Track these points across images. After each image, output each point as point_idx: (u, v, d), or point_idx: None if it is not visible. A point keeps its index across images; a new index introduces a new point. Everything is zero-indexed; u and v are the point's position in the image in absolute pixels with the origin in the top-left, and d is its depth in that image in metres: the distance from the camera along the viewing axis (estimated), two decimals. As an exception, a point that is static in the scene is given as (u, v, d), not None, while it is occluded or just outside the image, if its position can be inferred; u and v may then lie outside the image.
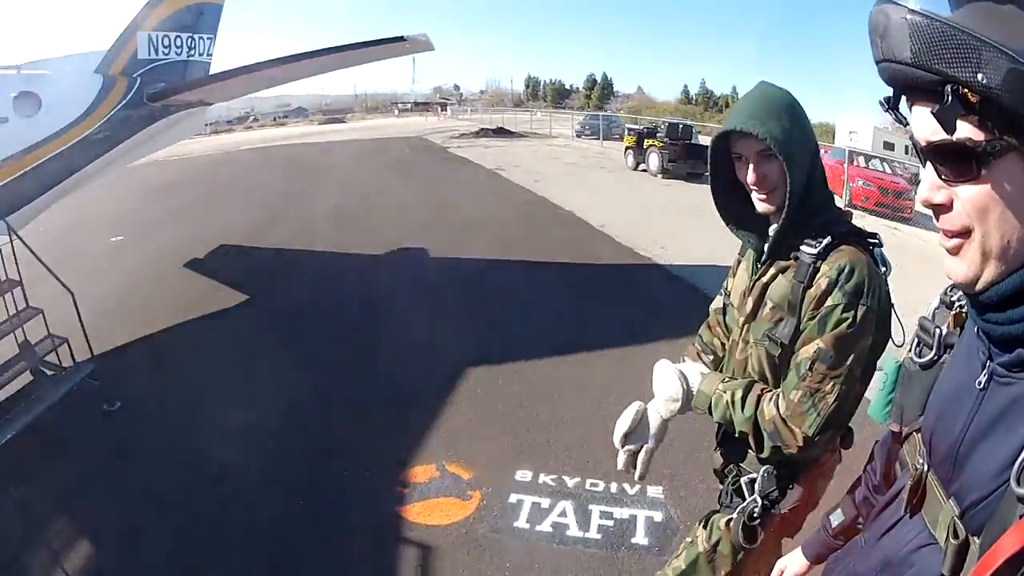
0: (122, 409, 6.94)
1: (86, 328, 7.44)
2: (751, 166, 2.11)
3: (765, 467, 2.27)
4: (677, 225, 14.50)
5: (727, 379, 2.24)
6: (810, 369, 2.02)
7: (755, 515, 2.26)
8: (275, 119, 75.52)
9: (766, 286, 2.23)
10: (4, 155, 7.99)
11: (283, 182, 21.84)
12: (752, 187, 2.15)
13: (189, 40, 11.65)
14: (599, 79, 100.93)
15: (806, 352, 2.04)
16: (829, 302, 2.00)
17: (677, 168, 21.97)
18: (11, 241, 7.46)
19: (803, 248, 2.10)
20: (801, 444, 2.03)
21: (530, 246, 12.38)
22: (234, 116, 67.06)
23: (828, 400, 2.00)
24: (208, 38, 12.23)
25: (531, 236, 13.21)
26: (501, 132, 37.92)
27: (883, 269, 2.09)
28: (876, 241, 2.12)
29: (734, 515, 2.34)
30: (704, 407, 2.23)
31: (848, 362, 2.00)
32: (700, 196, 16.57)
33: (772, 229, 2.21)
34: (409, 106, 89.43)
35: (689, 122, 27.52)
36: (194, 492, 5.37)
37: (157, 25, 10.91)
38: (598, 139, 34.44)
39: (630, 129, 26.78)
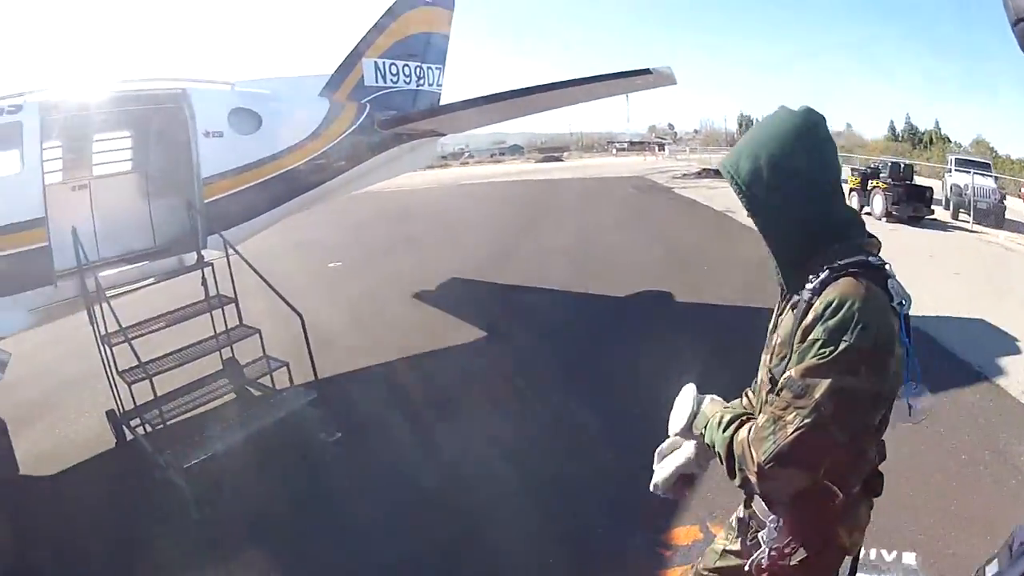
0: (341, 441, 6.43)
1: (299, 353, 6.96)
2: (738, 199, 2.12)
3: (771, 517, 2.15)
4: (913, 272, 12.38)
5: (728, 406, 2.26)
6: (778, 395, 1.95)
7: (763, 566, 2.14)
8: (491, 155, 76.28)
9: (777, 323, 2.19)
10: (219, 169, 7.90)
11: (508, 218, 21.57)
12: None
13: (417, 69, 11.43)
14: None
15: (785, 378, 1.94)
16: (811, 336, 1.89)
17: (900, 211, 19.77)
18: (227, 256, 7.22)
19: (806, 284, 1.99)
20: (755, 470, 1.92)
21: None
22: (448, 152, 68.77)
23: (787, 430, 1.87)
24: (437, 68, 11.97)
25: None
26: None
27: (897, 302, 1.92)
28: (886, 272, 1.97)
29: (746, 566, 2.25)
30: (700, 428, 2.24)
31: (817, 396, 1.84)
32: (928, 241, 16.02)
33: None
34: (625, 145, 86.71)
35: (908, 161, 25.57)
36: (426, 546, 4.86)
37: (383, 52, 10.75)
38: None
39: (853, 169, 24.65)
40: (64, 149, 8.26)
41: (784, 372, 1.95)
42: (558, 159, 65.56)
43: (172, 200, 8.15)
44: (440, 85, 12.08)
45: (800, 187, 1.99)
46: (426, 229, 19.85)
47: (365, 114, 10.02)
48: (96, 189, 8.05)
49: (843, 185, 2.31)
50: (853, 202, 21.14)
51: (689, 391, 2.34)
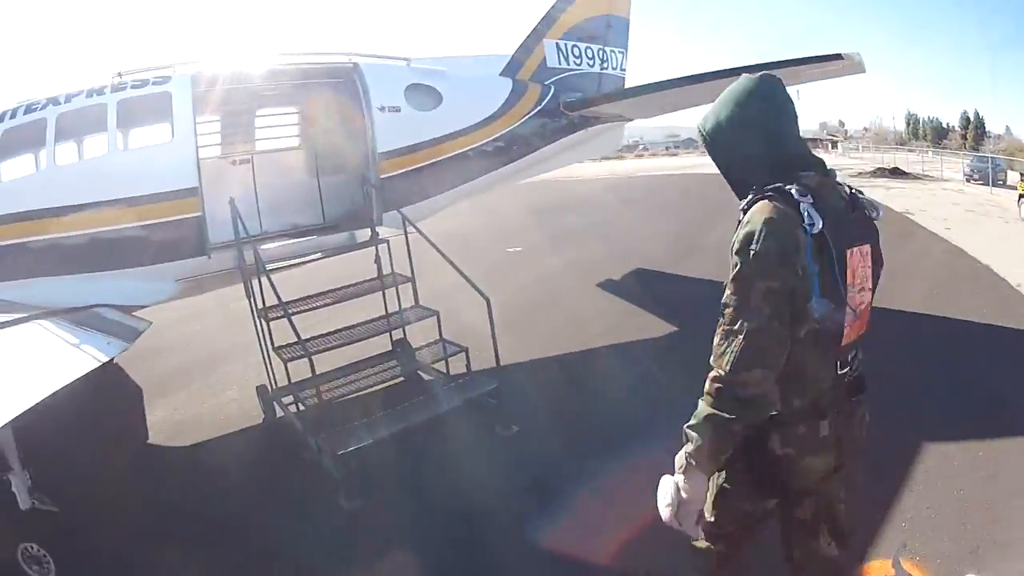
0: (518, 436, 5.86)
1: (476, 337, 6.48)
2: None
3: None
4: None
5: None
6: (722, 314, 2.25)
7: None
8: (666, 148, 75.72)
9: None
10: (397, 145, 7.59)
11: (689, 211, 20.76)
12: None
13: (600, 52, 10.75)
14: (971, 117, 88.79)
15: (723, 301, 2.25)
16: (733, 250, 2.23)
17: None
18: (405, 234, 6.86)
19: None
20: (727, 380, 2.17)
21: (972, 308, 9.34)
22: (623, 144, 68.56)
23: (739, 337, 2.17)
24: (620, 52, 11.24)
25: (970, 293, 10.21)
26: (896, 172, 35.11)
27: (810, 219, 2.19)
28: (800, 197, 2.23)
29: None
30: (680, 465, 2.35)
31: (751, 301, 2.16)
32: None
33: None
34: None
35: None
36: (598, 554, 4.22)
37: (564, 34, 10.18)
38: (985, 184, 30.35)
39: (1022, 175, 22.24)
40: (223, 124, 8.38)
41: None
42: None
43: (343, 176, 7.98)
44: (624, 69, 11.37)
45: (753, 133, 2.39)
46: (605, 218, 19.61)
47: (550, 95, 9.47)
48: (259, 164, 8.04)
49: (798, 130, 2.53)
50: (1022, 210, 19.90)
51: (667, 480, 2.41)
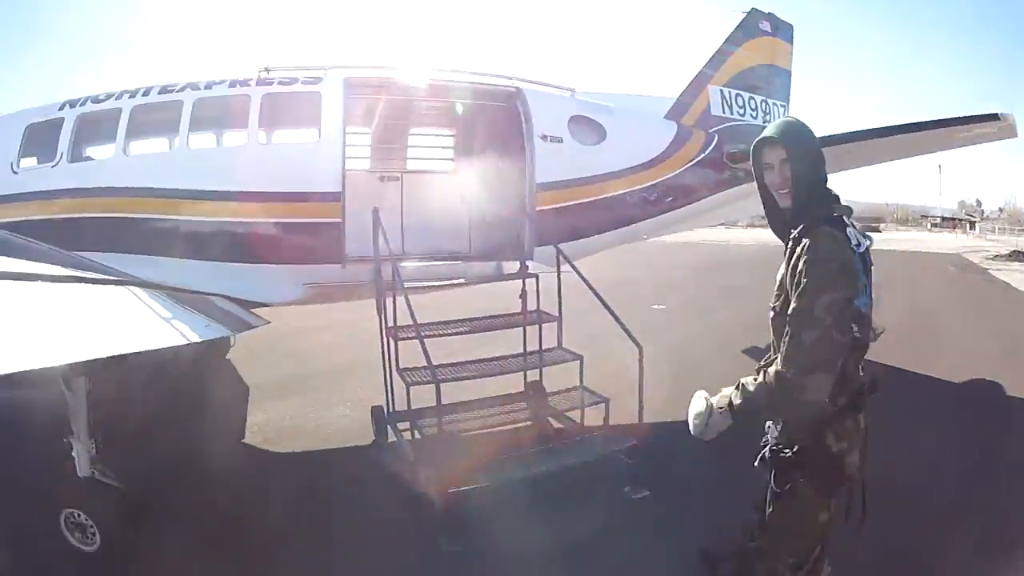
0: (648, 501, 5.19)
1: (615, 390, 5.91)
2: (777, 170, 2.74)
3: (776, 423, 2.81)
4: None
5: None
6: (790, 324, 2.52)
7: (766, 457, 2.80)
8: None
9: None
10: (556, 177, 7.25)
11: None
12: (779, 189, 2.77)
13: (763, 103, 10.26)
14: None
15: (792, 307, 2.53)
16: (799, 270, 2.52)
17: None
18: (558, 270, 6.43)
19: (792, 238, 2.68)
20: (790, 379, 2.48)
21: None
22: None
23: (805, 344, 2.45)
24: (781, 105, 10.69)
25: None
26: None
27: (856, 242, 2.62)
28: (847, 223, 2.66)
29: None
30: (723, 404, 2.79)
31: (816, 312, 2.44)
32: None
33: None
34: (938, 220, 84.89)
35: None
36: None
37: (728, 81, 9.76)
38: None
39: None
40: (375, 137, 8.32)
41: (780, 305, 2.67)
42: (876, 229, 64.88)
43: (495, 204, 7.63)
44: (786, 124, 10.80)
45: (815, 160, 2.73)
46: (752, 283, 18.85)
47: (713, 144, 8.97)
48: (408, 183, 7.95)
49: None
50: None
51: (700, 395, 2.90)
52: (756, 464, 2.86)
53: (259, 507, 5.00)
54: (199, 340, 3.94)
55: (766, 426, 2.89)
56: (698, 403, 2.86)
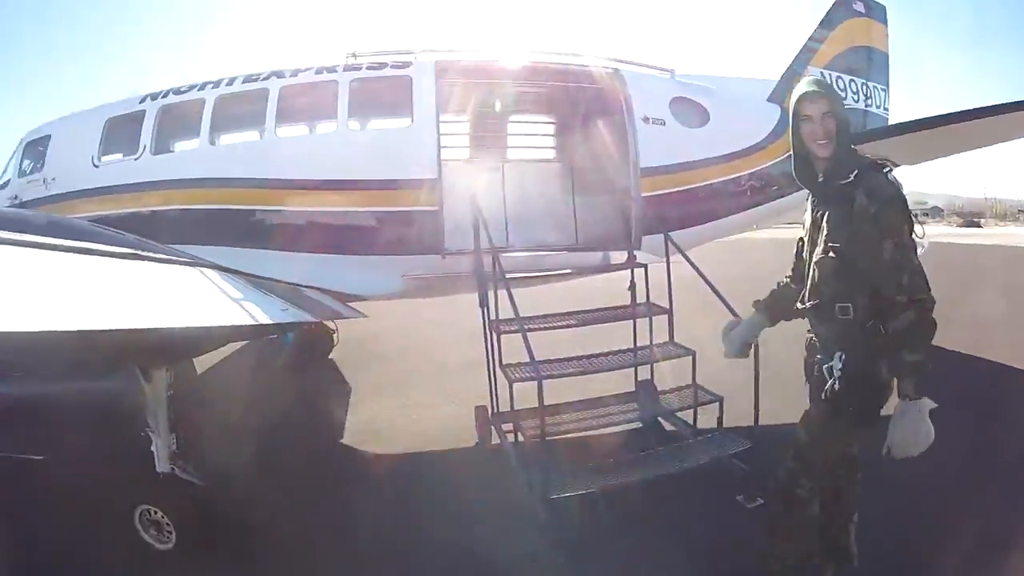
0: (763, 510, 4.73)
1: (730, 389, 5.53)
2: (819, 122, 2.94)
3: (837, 353, 2.95)
4: None
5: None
6: (897, 254, 2.76)
7: (835, 390, 2.93)
8: (914, 216, 76.90)
9: (822, 219, 3.01)
10: (661, 161, 6.91)
11: (941, 284, 19.24)
12: (819, 140, 2.94)
13: (863, 87, 9.73)
14: None
15: (887, 247, 2.76)
16: (873, 210, 2.79)
17: None
18: (667, 260, 6.12)
19: (841, 185, 2.94)
20: (929, 299, 2.76)
21: None
22: None
23: (919, 267, 2.79)
24: (882, 89, 10.13)
25: None
26: None
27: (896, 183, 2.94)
28: (887, 167, 2.95)
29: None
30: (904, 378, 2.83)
31: (904, 239, 2.79)
32: None
33: (821, 177, 3.05)
34: None
35: None
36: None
37: (827, 63, 9.27)
38: None
39: None
40: (473, 125, 8.14)
41: (845, 240, 2.89)
42: (977, 224, 63.73)
43: (599, 191, 7.37)
44: (887, 109, 10.22)
45: (848, 116, 3.05)
46: None
47: None
48: (510, 174, 7.71)
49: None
50: None
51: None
52: (824, 396, 2.96)
53: (347, 511, 4.80)
54: (270, 322, 3.90)
55: (819, 356, 3.05)
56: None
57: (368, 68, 6.76)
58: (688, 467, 4.89)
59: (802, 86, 3.01)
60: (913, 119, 9.19)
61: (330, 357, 9.11)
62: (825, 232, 2.95)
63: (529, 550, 4.18)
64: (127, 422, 4.28)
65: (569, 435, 5.45)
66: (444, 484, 5.20)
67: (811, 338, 3.15)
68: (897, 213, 2.79)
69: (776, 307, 3.48)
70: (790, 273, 3.42)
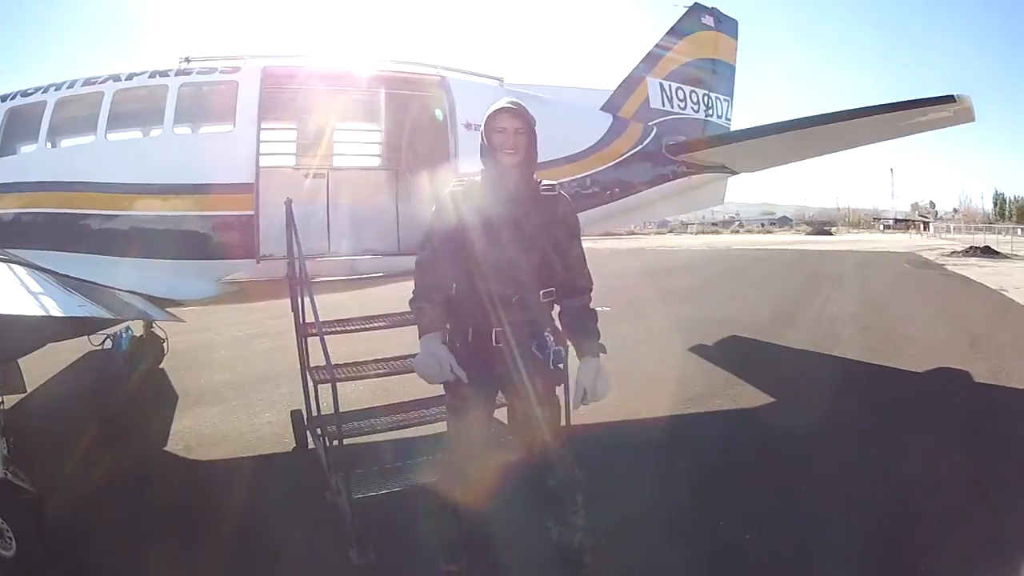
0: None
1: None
2: (512, 134, 3.29)
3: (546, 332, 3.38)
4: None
5: None
6: (582, 252, 3.50)
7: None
8: (761, 225, 77.70)
9: (511, 221, 3.31)
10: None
11: (786, 284, 20.85)
12: (508, 150, 3.28)
13: (705, 97, 10.15)
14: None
15: (576, 246, 3.47)
16: (570, 218, 3.46)
17: None
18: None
19: (546, 196, 3.41)
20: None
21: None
22: (719, 219, 69.69)
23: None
24: (725, 100, 10.60)
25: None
26: (988, 252, 35.57)
27: None
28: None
29: None
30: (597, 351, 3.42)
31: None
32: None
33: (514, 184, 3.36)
34: (891, 222, 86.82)
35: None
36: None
37: (668, 74, 9.62)
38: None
39: None
40: (299, 132, 8.16)
41: (556, 245, 3.39)
42: (828, 232, 66.30)
43: (423, 197, 7.30)
44: (729, 120, 10.72)
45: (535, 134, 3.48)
46: (700, 286, 19.78)
47: (651, 136, 8.82)
48: (335, 180, 7.75)
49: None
50: None
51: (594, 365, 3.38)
52: (553, 367, 3.29)
53: (167, 514, 4.72)
54: (65, 316, 3.94)
55: (531, 333, 3.32)
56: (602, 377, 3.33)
57: (198, 73, 6.72)
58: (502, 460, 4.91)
59: (499, 103, 3.36)
60: (743, 128, 9.68)
61: (161, 366, 8.99)
62: (527, 231, 3.27)
63: (337, 554, 4.17)
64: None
65: (382, 437, 5.43)
66: (258, 489, 5.22)
67: (499, 331, 3.27)
68: (579, 222, 3.50)
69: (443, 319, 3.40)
70: (428, 279, 3.38)
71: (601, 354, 3.35)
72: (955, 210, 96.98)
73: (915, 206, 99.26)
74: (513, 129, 3.28)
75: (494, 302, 3.24)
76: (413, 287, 3.37)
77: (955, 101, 7.42)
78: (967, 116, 7.89)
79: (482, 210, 3.28)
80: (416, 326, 3.33)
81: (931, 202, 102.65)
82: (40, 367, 7.62)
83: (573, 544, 3.53)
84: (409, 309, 3.41)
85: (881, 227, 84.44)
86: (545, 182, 3.41)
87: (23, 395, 5.79)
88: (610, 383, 3.31)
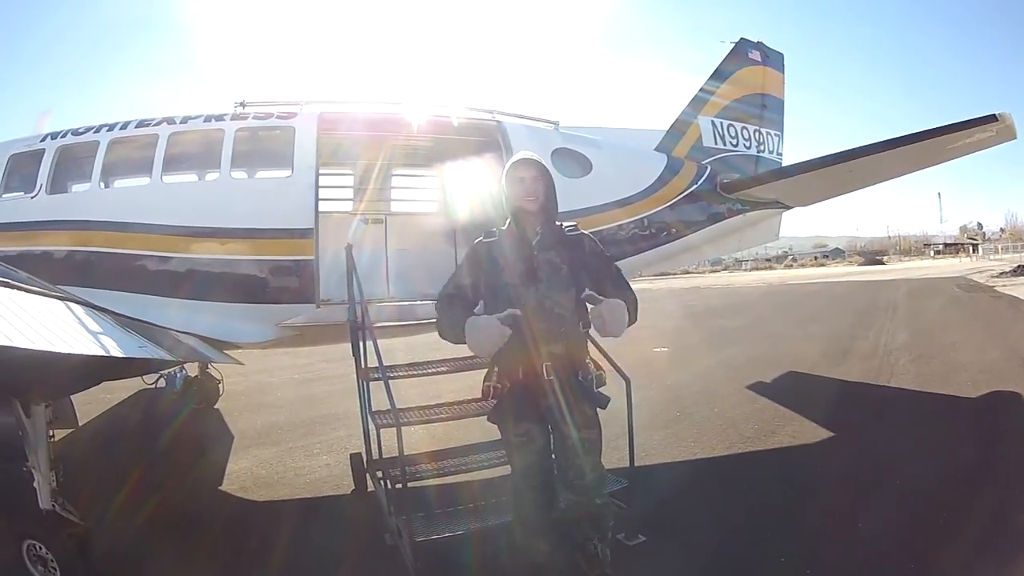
0: (644, 548, 4.69)
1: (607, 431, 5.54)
2: (530, 182, 3.51)
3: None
4: None
5: None
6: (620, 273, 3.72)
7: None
8: (815, 258, 76.79)
9: (545, 261, 3.51)
10: None
11: (840, 315, 20.37)
12: (529, 197, 3.51)
13: (756, 133, 10.12)
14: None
15: (614, 270, 3.71)
16: (597, 248, 3.69)
17: None
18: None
19: (570, 236, 3.60)
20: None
21: None
22: (772, 254, 69.14)
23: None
24: (775, 135, 10.55)
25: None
26: None
27: None
28: None
29: None
30: None
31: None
32: None
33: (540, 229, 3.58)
34: (941, 247, 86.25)
35: None
36: None
37: (719, 112, 9.64)
38: None
39: None
40: (357, 177, 8.24)
41: (591, 278, 3.51)
42: (880, 262, 65.32)
43: None
44: (780, 154, 10.65)
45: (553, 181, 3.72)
46: (755, 322, 19.49)
47: (706, 175, 8.80)
48: (392, 225, 7.84)
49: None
50: None
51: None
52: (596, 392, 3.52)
53: (219, 554, 4.75)
54: (124, 356, 3.86)
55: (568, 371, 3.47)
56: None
57: (254, 118, 6.83)
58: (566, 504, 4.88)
59: (514, 157, 3.67)
60: (796, 163, 9.56)
61: (216, 407, 9.10)
62: (563, 271, 3.47)
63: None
64: (14, 455, 4.23)
65: (440, 480, 5.42)
66: (317, 529, 5.24)
67: (548, 365, 3.43)
68: (607, 252, 3.77)
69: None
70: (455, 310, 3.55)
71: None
72: (1002, 229, 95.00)
73: (963, 229, 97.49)
74: (531, 178, 3.51)
75: (543, 339, 3.39)
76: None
77: (997, 120, 7.37)
78: (1009, 134, 7.80)
79: (515, 256, 3.48)
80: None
81: (978, 223, 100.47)
82: (92, 402, 7.72)
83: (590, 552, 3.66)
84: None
85: (932, 253, 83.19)
86: (567, 224, 3.62)
87: (73, 429, 5.88)
88: (626, 318, 3.39)
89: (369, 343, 5.38)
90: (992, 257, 57.82)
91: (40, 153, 6.72)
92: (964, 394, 8.84)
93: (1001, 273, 35.27)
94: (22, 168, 6.80)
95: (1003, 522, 4.70)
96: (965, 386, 9.22)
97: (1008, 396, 8.61)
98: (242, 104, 6.94)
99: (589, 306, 3.39)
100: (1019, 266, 37.10)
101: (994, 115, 7.37)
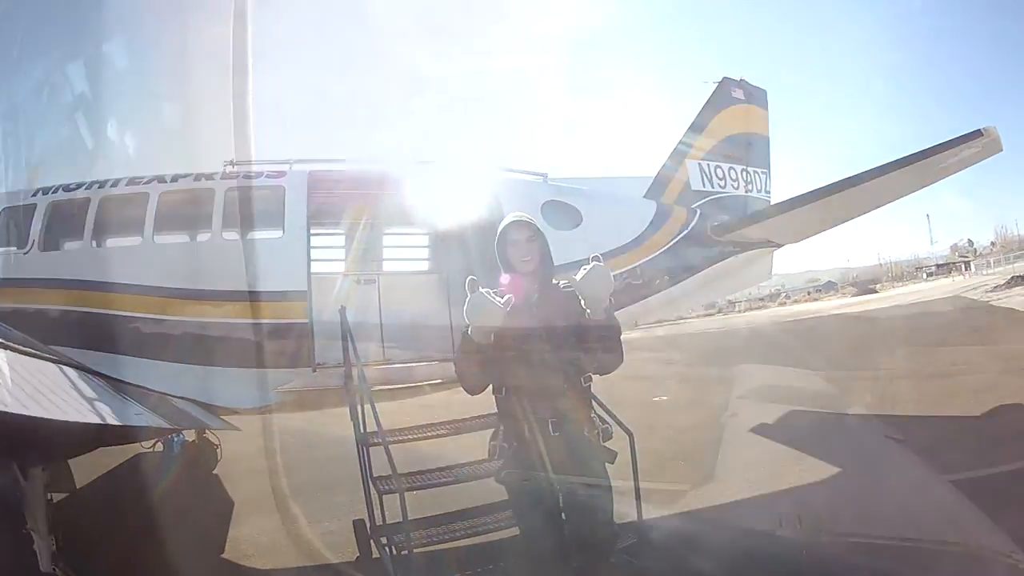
0: None
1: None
2: (524, 244, 3.52)
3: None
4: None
5: None
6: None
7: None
8: (808, 293, 77.18)
9: (542, 319, 3.48)
10: None
11: (837, 348, 19.94)
12: (524, 258, 3.51)
13: (743, 173, 10.17)
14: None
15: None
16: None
17: None
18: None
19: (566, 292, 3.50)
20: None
21: None
22: (764, 294, 69.33)
23: None
24: (763, 173, 10.60)
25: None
26: None
27: None
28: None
29: None
30: None
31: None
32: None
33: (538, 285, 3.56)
34: (933, 269, 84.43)
35: None
36: None
37: (706, 154, 9.68)
38: None
39: None
40: (346, 237, 8.14)
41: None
42: (873, 291, 65.95)
43: None
44: (768, 192, 10.69)
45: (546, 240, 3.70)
46: (754, 361, 18.81)
47: (696, 219, 8.83)
48: (385, 286, 7.70)
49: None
50: None
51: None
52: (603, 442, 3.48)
53: None
54: (121, 424, 3.94)
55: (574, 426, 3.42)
56: None
57: (244, 177, 6.82)
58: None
59: (505, 220, 3.63)
60: (784, 200, 9.60)
61: (214, 472, 8.97)
62: (563, 327, 3.41)
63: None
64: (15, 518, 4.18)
65: (445, 545, 5.31)
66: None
67: (555, 421, 3.39)
68: None
69: None
70: (476, 369, 3.50)
71: None
72: (992, 243, 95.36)
73: (954, 247, 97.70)
74: (525, 239, 3.51)
75: (546, 396, 3.39)
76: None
77: (983, 135, 7.45)
78: (995, 147, 7.85)
79: (514, 316, 3.32)
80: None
81: (968, 240, 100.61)
82: (88, 465, 7.63)
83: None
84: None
85: (924, 276, 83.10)
86: (562, 281, 3.56)
87: (69, 493, 5.84)
88: (609, 279, 3.33)
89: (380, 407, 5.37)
90: (985, 272, 57.92)
91: (32, 208, 6.69)
92: (969, 413, 8.95)
93: (996, 287, 35.40)
94: (14, 222, 6.75)
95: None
96: (970, 405, 9.32)
97: (1013, 409, 8.74)
98: (231, 163, 6.94)
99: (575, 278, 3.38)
100: (1012, 277, 37.22)
101: (979, 130, 7.47)
